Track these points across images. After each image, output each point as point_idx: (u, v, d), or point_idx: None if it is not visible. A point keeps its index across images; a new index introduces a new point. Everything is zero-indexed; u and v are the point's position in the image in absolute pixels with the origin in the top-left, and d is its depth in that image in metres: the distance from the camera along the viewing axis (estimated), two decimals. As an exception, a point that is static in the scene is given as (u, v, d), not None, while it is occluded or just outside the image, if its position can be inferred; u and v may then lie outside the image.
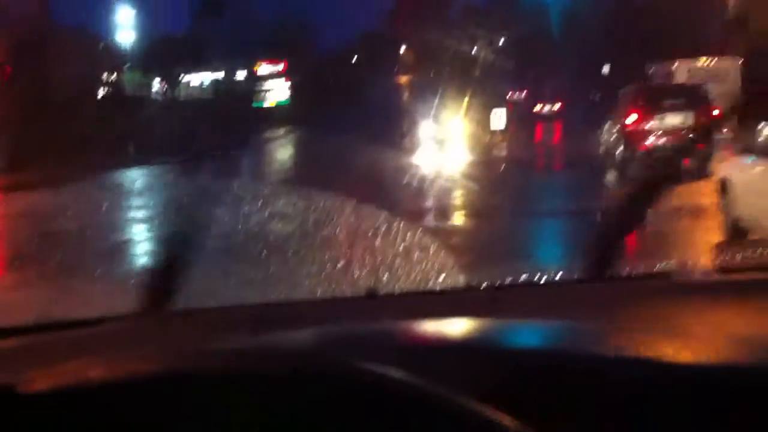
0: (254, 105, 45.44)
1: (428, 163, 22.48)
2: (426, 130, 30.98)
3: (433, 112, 32.72)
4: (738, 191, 8.50)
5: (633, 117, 16.96)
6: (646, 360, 1.18)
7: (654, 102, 17.32)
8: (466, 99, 37.64)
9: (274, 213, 2.94)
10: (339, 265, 2.47)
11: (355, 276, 2.40)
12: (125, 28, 40.75)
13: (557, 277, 2.24)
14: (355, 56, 68.67)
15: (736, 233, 8.56)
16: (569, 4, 43.25)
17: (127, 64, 38.18)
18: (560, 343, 1.33)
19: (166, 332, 1.77)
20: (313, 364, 1.04)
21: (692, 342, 1.35)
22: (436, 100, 34.69)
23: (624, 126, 17.26)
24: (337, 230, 2.71)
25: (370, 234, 2.63)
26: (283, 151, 30.91)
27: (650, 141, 16.36)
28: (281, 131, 37.61)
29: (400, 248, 2.50)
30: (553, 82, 48.53)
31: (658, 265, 2.15)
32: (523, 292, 2.16)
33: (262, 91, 46.66)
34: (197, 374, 1.03)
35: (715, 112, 15.81)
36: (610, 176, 16.89)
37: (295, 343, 1.36)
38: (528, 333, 1.43)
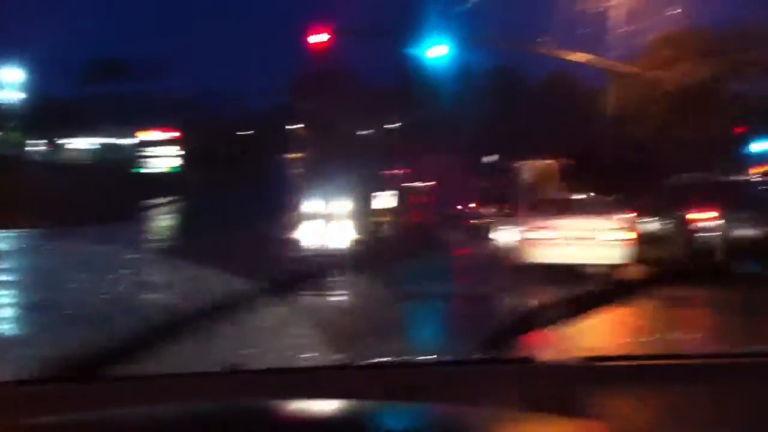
0: (141, 171, 44.60)
1: (312, 239, 22.49)
2: (314, 206, 31.18)
3: (322, 190, 33.03)
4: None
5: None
6: None
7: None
8: (356, 178, 38.31)
9: (140, 282, 2.79)
10: (202, 338, 2.33)
11: (219, 350, 2.26)
12: (10, 87, 39.56)
13: (426, 358, 2.19)
14: (250, 130, 68.86)
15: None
16: (464, 96, 45.45)
17: (9, 124, 36.87)
18: (427, 427, 1.28)
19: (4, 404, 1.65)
20: None
21: (550, 427, 1.32)
22: (327, 178, 35.10)
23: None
24: (205, 302, 2.57)
25: (238, 306, 2.51)
26: (164, 220, 30.20)
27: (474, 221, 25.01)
28: (166, 199, 36.92)
29: (269, 322, 2.39)
30: (435, 165, 50.94)
31: (528, 349, 2.14)
32: (391, 372, 2.10)
33: (151, 157, 45.94)
34: None
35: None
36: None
37: (152, 420, 1.27)
38: (393, 415, 1.38)
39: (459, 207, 29.07)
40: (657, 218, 15.45)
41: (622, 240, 13.16)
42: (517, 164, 29.19)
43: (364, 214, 30.64)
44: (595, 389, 1.80)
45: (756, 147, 25.04)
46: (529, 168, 28.46)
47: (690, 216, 14.32)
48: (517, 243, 13.84)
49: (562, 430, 1.30)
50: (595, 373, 1.95)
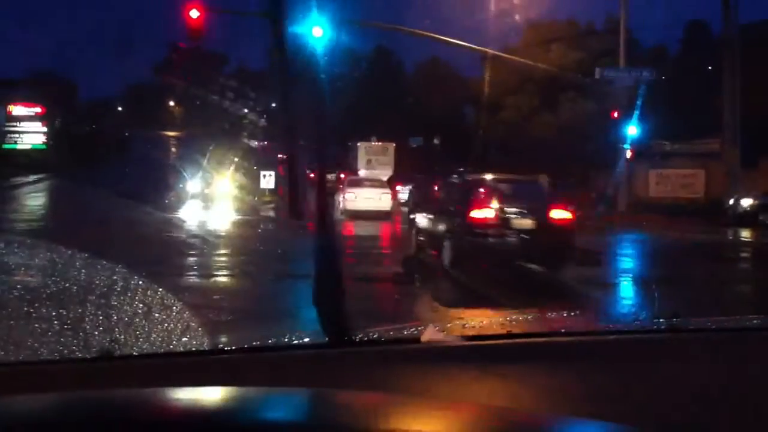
0: (5, 147, 42.35)
1: (193, 219, 21.98)
2: (194, 186, 30.44)
3: (201, 169, 32.27)
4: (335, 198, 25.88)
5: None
6: (386, 429, 1.13)
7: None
8: (236, 158, 37.78)
9: (2, 265, 2.62)
10: (69, 323, 2.22)
11: (88, 336, 2.16)
12: None
13: (307, 340, 2.16)
14: (120, 106, 66.41)
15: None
16: (339, 79, 46.91)
17: None
18: (306, 413, 1.26)
19: None
20: None
21: (438, 410, 1.32)
22: (206, 157, 34.31)
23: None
24: (73, 285, 2.45)
25: (110, 290, 2.40)
26: (32, 199, 28.76)
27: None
28: (34, 177, 35.20)
29: (142, 306, 2.30)
30: (312, 146, 52.49)
31: (407, 330, 2.15)
32: (273, 356, 2.06)
33: (16, 133, 43.60)
34: None
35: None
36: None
37: (19, 410, 1.19)
38: (272, 402, 1.35)
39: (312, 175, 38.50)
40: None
41: (386, 199, 25.70)
42: (357, 144, 37.72)
43: (244, 193, 30.28)
44: (476, 369, 1.83)
45: (632, 131, 26.14)
46: (366, 148, 37.58)
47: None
48: (342, 200, 25.42)
49: (445, 412, 1.31)
50: (477, 353, 1.98)
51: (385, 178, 29.10)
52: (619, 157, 26.82)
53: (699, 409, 1.62)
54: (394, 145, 37.40)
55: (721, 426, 1.55)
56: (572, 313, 2.34)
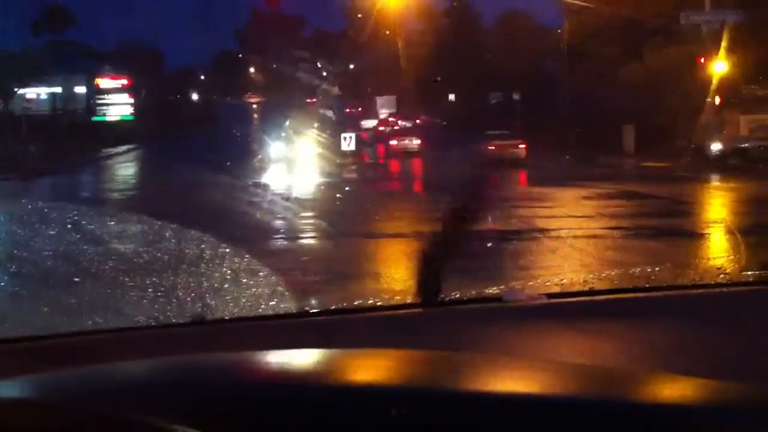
0: (95, 120, 43.56)
1: (278, 183, 22.27)
2: (276, 150, 30.74)
3: (283, 133, 32.52)
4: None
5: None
6: (477, 389, 1.14)
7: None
8: (317, 121, 37.97)
9: (97, 237, 2.73)
10: (163, 291, 2.30)
11: (181, 301, 2.25)
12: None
13: (393, 301, 2.19)
14: (203, 75, 67.42)
15: None
16: (417, 36, 47.80)
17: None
18: (394, 374, 1.28)
19: None
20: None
21: (524, 368, 1.32)
22: (287, 122, 34.58)
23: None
24: (165, 255, 2.54)
25: (200, 257, 2.49)
26: (123, 170, 29.62)
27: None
28: (123, 148, 36.20)
29: (231, 272, 2.37)
30: (402, 107, 53.76)
31: (489, 289, 2.16)
32: (357, 318, 2.10)
33: (105, 105, 44.79)
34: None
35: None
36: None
37: (116, 376, 1.25)
38: (360, 363, 1.37)
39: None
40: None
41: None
42: (376, 97, 54.72)
43: (334, 157, 30.43)
44: (560, 327, 1.82)
45: (720, 76, 25.04)
46: (381, 99, 55.43)
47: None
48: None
49: (529, 372, 1.31)
50: (560, 310, 1.97)
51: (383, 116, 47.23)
52: (708, 104, 25.83)
53: None
54: (395, 96, 55.83)
55: None
56: (655, 269, 2.29)
